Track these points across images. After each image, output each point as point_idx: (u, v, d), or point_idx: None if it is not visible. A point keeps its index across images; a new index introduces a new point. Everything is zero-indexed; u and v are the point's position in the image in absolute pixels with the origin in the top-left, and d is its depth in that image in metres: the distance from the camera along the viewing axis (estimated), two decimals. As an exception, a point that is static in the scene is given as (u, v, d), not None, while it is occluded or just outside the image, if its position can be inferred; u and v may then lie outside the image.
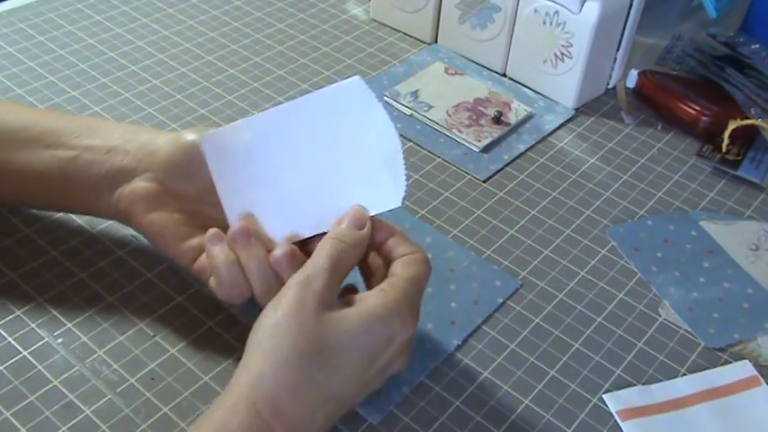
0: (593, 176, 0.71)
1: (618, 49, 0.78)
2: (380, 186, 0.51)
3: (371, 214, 0.51)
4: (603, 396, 0.53)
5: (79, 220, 0.62)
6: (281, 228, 0.51)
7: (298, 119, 0.51)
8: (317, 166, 0.51)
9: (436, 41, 0.86)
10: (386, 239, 0.50)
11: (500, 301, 0.59)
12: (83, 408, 0.50)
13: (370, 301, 0.46)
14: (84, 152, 0.53)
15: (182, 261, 0.52)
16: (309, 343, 0.44)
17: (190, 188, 0.53)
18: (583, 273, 0.62)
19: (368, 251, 0.50)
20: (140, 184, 0.52)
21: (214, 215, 0.52)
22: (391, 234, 0.51)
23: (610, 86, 0.81)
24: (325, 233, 0.50)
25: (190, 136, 0.53)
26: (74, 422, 0.49)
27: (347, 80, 0.51)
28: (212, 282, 0.50)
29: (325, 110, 0.51)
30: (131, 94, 0.75)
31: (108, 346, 0.53)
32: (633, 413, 0.52)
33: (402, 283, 0.47)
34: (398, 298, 0.46)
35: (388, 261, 0.50)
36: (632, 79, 0.81)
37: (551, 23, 0.75)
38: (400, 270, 0.48)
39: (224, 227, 0.51)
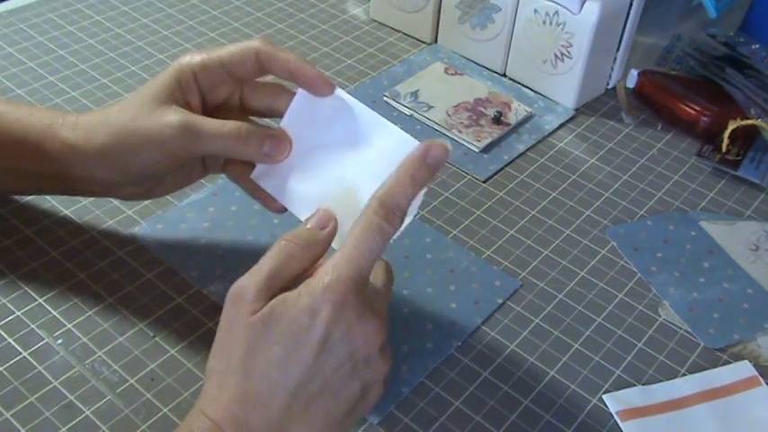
0: (593, 176, 0.71)
1: (618, 49, 0.78)
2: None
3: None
4: (603, 396, 0.53)
5: (79, 221, 0.62)
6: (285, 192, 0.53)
7: (361, 122, 0.52)
8: (339, 166, 0.52)
9: (436, 41, 0.86)
10: None
11: (500, 301, 0.59)
12: (83, 408, 0.50)
13: (289, 302, 0.43)
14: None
15: None
16: (240, 357, 0.43)
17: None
18: (583, 273, 0.62)
19: None
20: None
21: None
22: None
23: (610, 86, 0.81)
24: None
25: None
26: (74, 423, 0.49)
27: (410, 138, 0.50)
28: None
29: (376, 134, 0.51)
30: (131, 94, 0.75)
31: (108, 347, 0.54)
32: (633, 413, 0.52)
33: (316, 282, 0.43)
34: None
35: None
36: (632, 79, 0.81)
37: (551, 23, 0.75)
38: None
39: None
